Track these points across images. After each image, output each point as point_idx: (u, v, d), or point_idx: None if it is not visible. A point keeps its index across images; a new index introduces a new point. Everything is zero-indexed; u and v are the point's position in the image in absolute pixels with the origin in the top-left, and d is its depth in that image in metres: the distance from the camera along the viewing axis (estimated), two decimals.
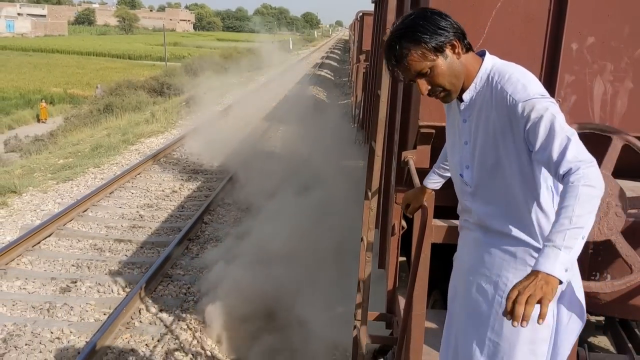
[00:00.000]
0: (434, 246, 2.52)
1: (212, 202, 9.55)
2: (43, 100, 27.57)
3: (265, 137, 15.72)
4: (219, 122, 16.77)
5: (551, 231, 1.58)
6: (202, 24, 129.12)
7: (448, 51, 1.83)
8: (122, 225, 8.60)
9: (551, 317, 1.89)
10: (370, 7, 9.35)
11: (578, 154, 1.66)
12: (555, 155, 1.69)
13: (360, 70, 13.33)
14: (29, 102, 29.28)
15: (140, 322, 5.82)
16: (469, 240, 2.07)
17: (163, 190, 10.57)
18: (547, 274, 1.51)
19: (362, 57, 13.89)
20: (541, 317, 1.49)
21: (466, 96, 1.92)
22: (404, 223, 3.22)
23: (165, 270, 6.95)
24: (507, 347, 1.88)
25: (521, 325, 1.51)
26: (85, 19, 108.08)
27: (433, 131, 2.81)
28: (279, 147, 14.26)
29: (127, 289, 6.47)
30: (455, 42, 1.84)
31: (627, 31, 2.63)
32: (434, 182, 2.42)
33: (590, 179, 1.61)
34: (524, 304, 1.49)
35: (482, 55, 1.94)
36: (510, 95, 1.79)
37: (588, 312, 2.19)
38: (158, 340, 5.48)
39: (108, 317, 5.77)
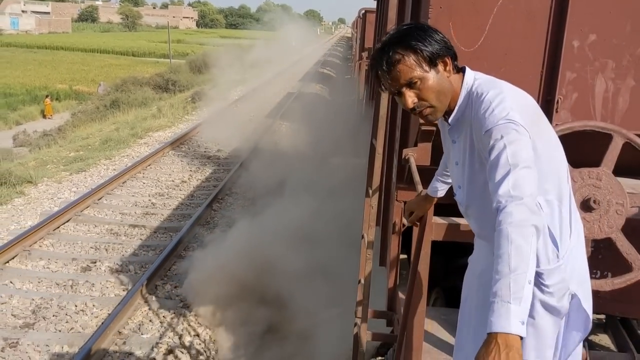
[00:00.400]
0: (435, 244, 2.52)
1: (220, 191, 10.05)
2: (48, 97, 27.66)
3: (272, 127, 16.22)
4: (230, 112, 17.76)
5: (495, 283, 1.48)
6: (205, 21, 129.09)
7: (440, 66, 1.80)
8: (135, 212, 9.15)
9: (554, 337, 1.87)
10: (373, 4, 9.34)
11: (512, 189, 1.57)
12: (492, 188, 1.63)
13: (362, 67, 13.33)
14: (35, 98, 29.42)
15: (157, 296, 6.37)
16: (482, 243, 2.06)
17: (173, 181, 11.10)
18: (505, 333, 1.40)
19: (365, 54, 13.89)
20: None
21: (452, 118, 1.89)
22: (404, 220, 3.22)
23: (178, 251, 7.51)
24: None
25: None
26: (88, 16, 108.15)
27: (434, 129, 2.80)
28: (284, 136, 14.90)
29: (144, 269, 7.01)
30: (447, 60, 1.81)
31: (628, 28, 2.62)
32: (438, 190, 2.38)
33: (513, 217, 1.52)
34: None
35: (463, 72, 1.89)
36: (480, 121, 1.74)
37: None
38: (174, 313, 6.04)
39: (127, 293, 6.31)
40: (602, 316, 3.12)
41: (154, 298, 6.30)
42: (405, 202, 2.75)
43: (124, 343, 5.50)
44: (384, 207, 3.90)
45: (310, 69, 34.18)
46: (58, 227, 8.12)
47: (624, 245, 2.36)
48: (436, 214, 2.67)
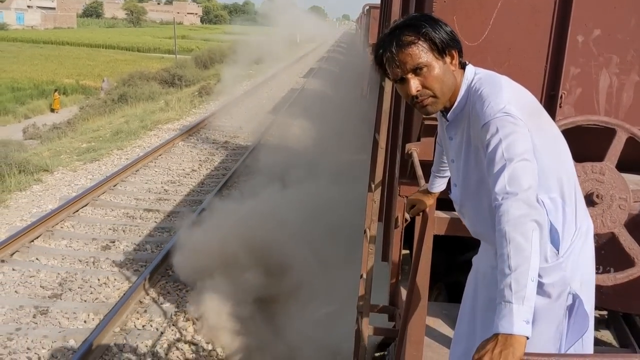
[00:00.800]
0: (437, 239, 2.52)
1: (229, 179, 10.68)
2: (56, 91, 27.93)
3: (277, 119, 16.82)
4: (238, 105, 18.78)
5: (499, 284, 1.46)
6: (209, 17, 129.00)
7: (447, 58, 1.78)
8: (149, 198, 9.79)
9: (555, 340, 1.86)
10: (377, 0, 9.31)
11: (508, 184, 1.54)
12: (491, 184, 1.59)
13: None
14: (42, 93, 29.67)
15: (173, 272, 6.97)
16: (485, 243, 2.05)
17: (184, 169, 11.69)
18: (507, 334, 1.38)
19: (368, 50, 13.88)
20: None
21: (451, 113, 1.87)
22: (407, 216, 3.22)
23: None
24: None
25: None
26: (93, 12, 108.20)
27: (437, 123, 2.79)
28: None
29: (159, 248, 7.65)
30: (454, 53, 1.80)
31: (633, 23, 2.60)
32: (437, 185, 2.37)
33: (510, 215, 1.49)
34: None
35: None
36: (478, 115, 1.72)
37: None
38: (189, 286, 6.69)
39: (145, 268, 6.95)
40: (605, 312, 3.12)
41: (170, 273, 6.97)
42: (407, 197, 2.75)
43: (145, 311, 6.17)
44: (386, 202, 3.89)
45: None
46: (77, 211, 8.76)
47: (627, 240, 2.36)
48: (438, 208, 2.67)
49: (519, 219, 1.49)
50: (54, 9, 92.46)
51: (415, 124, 3.08)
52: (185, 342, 5.74)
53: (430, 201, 2.37)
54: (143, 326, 5.91)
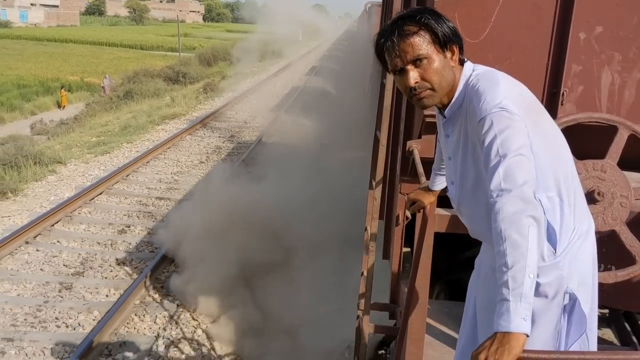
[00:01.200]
0: (438, 237, 2.51)
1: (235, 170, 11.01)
2: (63, 88, 28.31)
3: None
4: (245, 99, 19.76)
5: (497, 282, 1.45)
6: (211, 15, 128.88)
7: (448, 53, 1.77)
8: (160, 187, 10.34)
9: (553, 340, 1.85)
10: None
11: (503, 180, 1.53)
12: (487, 181, 1.58)
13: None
14: (48, 90, 30.04)
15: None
16: (485, 244, 2.03)
17: (192, 161, 12.22)
18: (505, 332, 1.37)
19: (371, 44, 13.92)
20: None
21: (448, 110, 1.85)
22: (408, 213, 3.21)
23: None
24: None
25: None
26: (95, 10, 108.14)
27: None
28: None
29: None
30: (455, 48, 1.78)
31: (635, 21, 2.59)
32: (438, 182, 2.36)
33: (504, 212, 1.48)
34: None
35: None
36: (474, 110, 1.69)
37: None
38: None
39: (159, 250, 7.51)
40: (606, 310, 3.11)
41: None
42: (408, 195, 2.74)
43: (162, 287, 6.73)
44: (387, 199, 3.89)
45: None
46: (93, 198, 9.36)
47: (628, 238, 2.35)
48: (439, 205, 2.66)
49: (514, 216, 1.47)
50: (57, 6, 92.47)
51: (416, 121, 3.07)
52: (200, 313, 6.32)
53: (431, 198, 2.36)
54: (160, 300, 6.45)
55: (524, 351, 1.36)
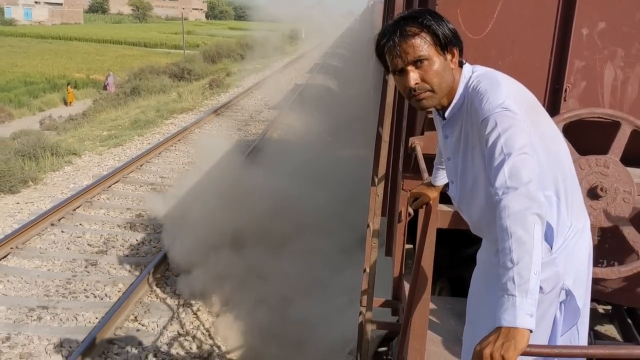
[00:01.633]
0: (441, 233, 2.51)
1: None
2: (69, 85, 28.56)
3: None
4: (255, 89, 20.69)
5: (500, 278, 1.46)
6: (214, 12, 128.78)
7: (448, 55, 1.78)
8: (173, 175, 10.95)
9: (546, 334, 1.85)
10: None
11: (508, 179, 1.54)
12: (491, 180, 1.59)
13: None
14: (54, 87, 30.34)
15: None
16: (485, 240, 2.04)
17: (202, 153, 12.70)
18: (510, 327, 1.38)
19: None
20: None
21: (449, 112, 1.86)
22: (410, 210, 3.21)
23: None
24: None
25: None
26: (99, 7, 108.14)
27: None
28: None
29: None
30: (455, 51, 1.79)
31: (638, 16, 2.58)
32: (440, 178, 2.35)
33: (510, 209, 1.49)
34: None
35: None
36: (477, 111, 1.71)
37: (595, 300, 2.16)
38: None
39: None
40: (609, 306, 3.11)
41: None
42: (410, 191, 2.74)
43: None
44: (389, 196, 3.89)
45: None
46: (110, 186, 10.00)
47: (631, 234, 2.34)
48: (442, 202, 2.66)
49: (520, 213, 1.48)
50: (61, 4, 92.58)
51: (419, 118, 3.07)
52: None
53: (434, 194, 2.36)
54: (177, 275, 7.00)
55: (529, 345, 1.37)
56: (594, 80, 2.67)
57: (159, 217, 8.54)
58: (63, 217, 8.45)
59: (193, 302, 6.49)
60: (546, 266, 1.74)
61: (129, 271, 7.09)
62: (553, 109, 2.65)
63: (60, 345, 5.42)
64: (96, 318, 5.93)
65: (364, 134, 9.83)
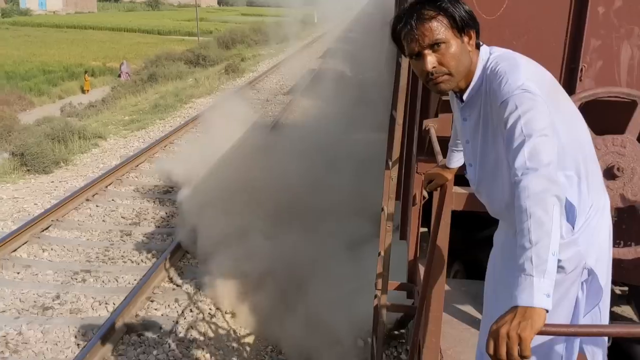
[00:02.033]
0: (456, 216, 2.50)
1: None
2: (86, 73, 28.95)
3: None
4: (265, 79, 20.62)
5: (518, 258, 1.45)
6: None
7: (465, 38, 1.77)
8: (195, 157, 10.78)
9: (568, 314, 1.85)
10: None
11: (528, 160, 1.53)
12: (510, 161, 1.58)
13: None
14: (72, 75, 30.76)
15: None
16: (504, 222, 2.04)
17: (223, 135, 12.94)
18: (526, 306, 1.38)
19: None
20: (523, 356, 1.35)
21: (467, 94, 1.85)
22: (425, 193, 3.21)
23: None
24: None
25: None
26: None
27: None
28: None
29: None
30: (472, 33, 1.78)
31: None
32: (455, 160, 2.35)
33: (530, 190, 1.48)
34: (503, 346, 1.36)
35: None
36: (496, 93, 1.70)
37: (612, 281, 2.14)
38: None
39: None
40: (625, 288, 3.09)
41: None
42: (425, 173, 2.73)
43: None
44: (404, 180, 3.88)
45: None
46: (138, 165, 10.55)
47: None
48: (457, 184, 2.65)
49: (539, 194, 1.48)
50: None
51: (432, 100, 3.05)
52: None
53: (449, 176, 2.36)
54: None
55: (545, 325, 1.37)
56: (610, 59, 2.64)
57: (186, 193, 8.77)
58: (96, 194, 9.07)
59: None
60: (568, 246, 1.75)
61: (162, 240, 7.62)
62: (569, 88, 2.62)
63: (105, 302, 6.01)
64: (135, 280, 6.48)
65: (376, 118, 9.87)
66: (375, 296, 3.43)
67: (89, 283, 6.44)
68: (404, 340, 5.13)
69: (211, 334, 5.67)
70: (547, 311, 1.38)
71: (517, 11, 2.63)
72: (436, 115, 2.93)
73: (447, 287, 2.73)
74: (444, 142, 2.66)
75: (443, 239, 2.33)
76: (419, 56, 1.77)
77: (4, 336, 5.33)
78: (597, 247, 1.83)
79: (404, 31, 1.77)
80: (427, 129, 2.90)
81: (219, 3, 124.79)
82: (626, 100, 2.47)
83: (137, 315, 5.73)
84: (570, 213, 1.79)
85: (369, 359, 4.53)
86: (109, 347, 5.13)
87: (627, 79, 2.62)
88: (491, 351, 1.39)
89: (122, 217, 8.38)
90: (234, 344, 5.63)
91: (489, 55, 1.81)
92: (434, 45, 1.74)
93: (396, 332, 5.14)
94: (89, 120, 15.29)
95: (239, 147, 10.40)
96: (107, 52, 39.52)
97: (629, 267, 2.46)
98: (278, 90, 18.93)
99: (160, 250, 7.20)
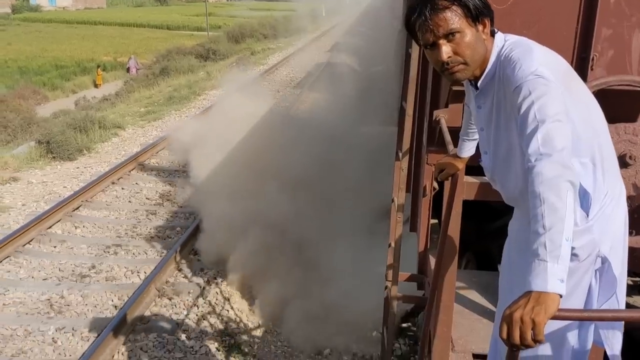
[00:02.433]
0: (467, 207, 2.50)
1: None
2: (99, 68, 29.59)
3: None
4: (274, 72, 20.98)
5: (532, 244, 1.46)
6: None
7: (480, 26, 1.77)
8: (213, 143, 11.12)
9: (581, 302, 1.85)
10: None
11: (542, 145, 1.53)
12: (524, 147, 1.58)
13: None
14: (84, 70, 31.58)
15: None
16: (516, 209, 2.04)
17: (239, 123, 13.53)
18: (540, 291, 1.38)
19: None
20: (536, 341, 1.36)
21: (481, 82, 1.86)
22: (435, 184, 3.20)
23: None
24: None
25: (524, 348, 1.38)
26: None
27: (465, 89, 2.76)
28: None
29: None
30: (486, 21, 1.78)
31: None
32: (466, 149, 2.35)
33: (544, 175, 1.48)
34: (516, 330, 1.37)
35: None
36: (509, 79, 1.70)
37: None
38: None
39: None
40: (637, 278, 3.08)
41: None
42: (436, 163, 2.73)
43: None
44: (414, 171, 3.88)
45: None
46: (158, 152, 11.17)
47: None
48: (468, 174, 2.65)
49: (553, 180, 1.48)
50: None
51: (443, 91, 3.05)
52: None
53: (460, 165, 2.36)
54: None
55: (558, 309, 1.38)
56: (621, 47, 2.62)
57: (205, 178, 9.19)
58: (121, 177, 9.62)
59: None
60: (582, 233, 1.74)
61: (185, 218, 8.16)
62: (580, 77, 2.61)
63: (137, 272, 6.51)
64: (163, 252, 6.97)
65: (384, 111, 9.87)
66: (386, 287, 3.43)
67: (121, 255, 6.95)
68: (414, 330, 5.14)
69: (235, 297, 6.26)
70: (560, 296, 1.39)
71: (528, 0, 2.62)
72: (446, 106, 2.93)
73: (457, 278, 2.73)
74: (455, 133, 2.66)
75: (454, 229, 2.34)
76: (434, 46, 1.78)
77: (48, 299, 5.83)
78: (612, 235, 1.83)
79: (419, 22, 1.77)
80: (437, 119, 2.90)
81: None
82: (638, 88, 2.46)
83: (167, 282, 6.24)
84: (584, 200, 1.78)
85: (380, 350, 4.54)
86: (144, 307, 5.63)
87: (639, 68, 2.61)
88: (504, 335, 1.39)
89: (146, 198, 8.98)
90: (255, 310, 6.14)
91: (504, 42, 1.82)
92: (449, 35, 1.74)
93: (405, 325, 5.16)
94: (105, 112, 15.61)
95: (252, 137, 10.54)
96: (118, 47, 39.88)
97: None
98: (288, 82, 19.25)
99: (184, 227, 7.69)
